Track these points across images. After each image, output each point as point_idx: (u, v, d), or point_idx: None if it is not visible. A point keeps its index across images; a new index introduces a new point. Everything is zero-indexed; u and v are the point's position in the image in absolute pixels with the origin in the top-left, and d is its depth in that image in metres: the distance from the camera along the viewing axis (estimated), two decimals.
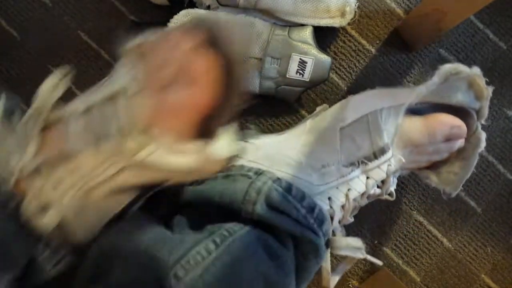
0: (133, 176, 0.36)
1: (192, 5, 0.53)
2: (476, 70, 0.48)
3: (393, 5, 0.57)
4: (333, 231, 0.48)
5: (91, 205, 0.37)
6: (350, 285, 0.58)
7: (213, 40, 0.37)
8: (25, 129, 0.37)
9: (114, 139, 0.35)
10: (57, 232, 0.37)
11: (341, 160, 0.46)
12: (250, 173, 0.44)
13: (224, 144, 0.39)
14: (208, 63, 0.37)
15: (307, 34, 0.52)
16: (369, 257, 0.48)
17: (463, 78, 0.47)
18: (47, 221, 0.36)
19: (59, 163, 0.36)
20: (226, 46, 0.37)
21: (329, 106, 0.52)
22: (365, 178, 0.47)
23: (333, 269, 0.49)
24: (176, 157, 0.36)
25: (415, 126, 0.48)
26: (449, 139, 0.49)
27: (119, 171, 0.36)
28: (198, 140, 0.37)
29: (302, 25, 0.53)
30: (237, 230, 0.40)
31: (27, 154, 0.36)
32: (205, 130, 0.38)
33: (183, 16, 0.51)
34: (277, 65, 0.52)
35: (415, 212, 0.58)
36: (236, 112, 0.38)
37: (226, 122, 0.39)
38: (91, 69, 0.56)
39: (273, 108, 0.57)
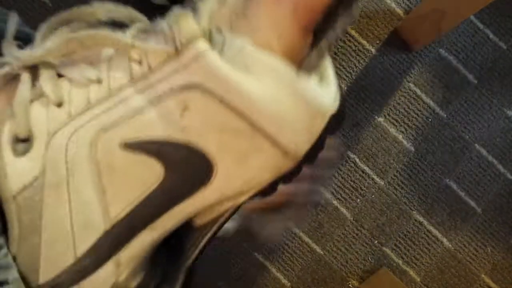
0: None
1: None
2: None
3: (393, 5, 0.57)
4: None
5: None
6: (350, 285, 0.58)
7: None
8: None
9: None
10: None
11: None
12: None
13: (333, 81, 0.21)
14: None
15: None
16: None
17: None
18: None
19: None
20: None
21: None
22: None
23: None
24: (262, 67, 0.19)
25: None
26: None
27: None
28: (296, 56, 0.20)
29: None
30: None
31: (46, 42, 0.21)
32: (312, 42, 0.20)
33: None
34: None
35: (415, 212, 0.58)
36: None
37: (337, 38, 0.21)
38: None
39: None
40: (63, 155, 0.22)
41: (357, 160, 0.58)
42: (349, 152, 0.58)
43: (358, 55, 0.57)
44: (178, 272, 0.25)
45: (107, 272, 0.25)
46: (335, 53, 0.57)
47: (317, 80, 0.21)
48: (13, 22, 0.23)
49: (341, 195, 0.58)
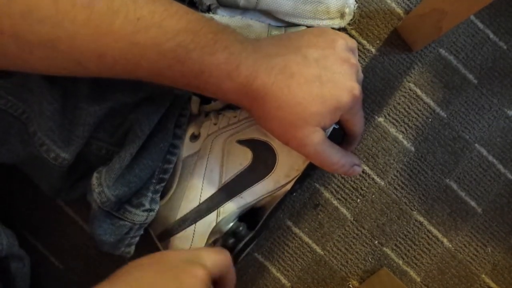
0: None
1: (193, 5, 0.53)
2: None
3: (393, 5, 0.57)
4: None
5: None
6: (350, 285, 0.58)
7: None
8: None
9: None
10: None
11: None
12: None
13: None
14: None
15: None
16: None
17: None
18: None
19: None
20: None
21: None
22: None
23: None
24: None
25: None
26: None
27: None
28: None
29: (299, 25, 0.53)
30: None
31: None
32: None
33: None
34: None
35: (415, 212, 0.58)
36: None
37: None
38: None
39: None
40: (210, 143, 0.44)
41: None
42: None
43: (358, 55, 0.57)
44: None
45: (212, 217, 0.43)
46: None
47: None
48: None
49: (341, 195, 0.58)
